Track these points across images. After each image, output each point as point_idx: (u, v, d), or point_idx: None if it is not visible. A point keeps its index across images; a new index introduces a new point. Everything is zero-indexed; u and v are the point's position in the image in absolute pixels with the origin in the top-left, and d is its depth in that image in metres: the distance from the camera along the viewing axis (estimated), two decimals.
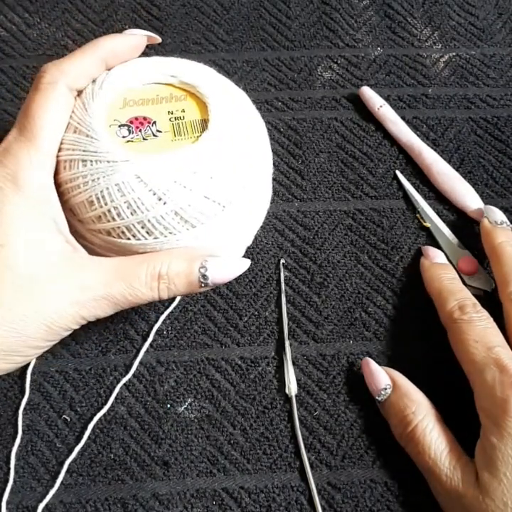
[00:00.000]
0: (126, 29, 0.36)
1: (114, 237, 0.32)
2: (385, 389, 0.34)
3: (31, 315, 0.28)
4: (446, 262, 0.39)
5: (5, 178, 0.29)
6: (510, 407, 0.30)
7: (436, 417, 0.33)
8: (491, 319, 0.34)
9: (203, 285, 0.31)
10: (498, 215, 0.38)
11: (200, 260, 0.31)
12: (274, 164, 0.43)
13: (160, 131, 0.33)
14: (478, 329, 0.33)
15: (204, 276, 0.31)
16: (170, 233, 0.31)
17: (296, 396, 0.36)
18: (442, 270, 0.38)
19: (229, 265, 0.32)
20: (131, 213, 0.31)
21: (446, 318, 0.35)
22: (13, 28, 0.48)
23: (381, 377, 0.34)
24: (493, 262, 0.37)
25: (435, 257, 0.39)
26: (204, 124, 0.33)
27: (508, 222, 0.38)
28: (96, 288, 0.29)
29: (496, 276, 0.36)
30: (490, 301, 0.36)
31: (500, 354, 0.32)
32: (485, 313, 0.34)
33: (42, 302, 0.28)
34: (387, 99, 0.46)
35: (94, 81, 0.34)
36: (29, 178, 0.29)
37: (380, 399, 0.34)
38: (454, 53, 0.49)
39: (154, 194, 0.30)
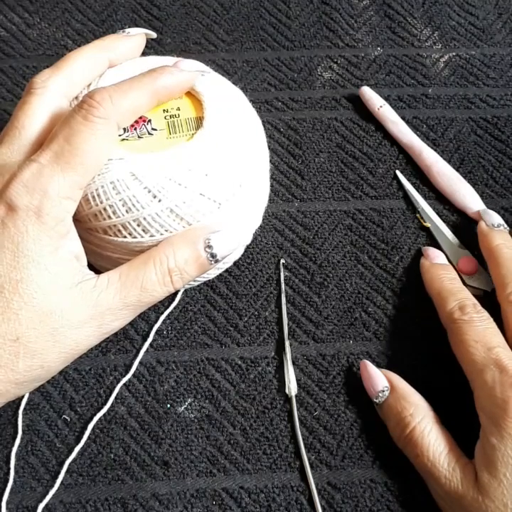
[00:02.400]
0: (125, 29, 0.35)
1: (110, 235, 0.32)
2: (383, 391, 0.34)
3: (50, 347, 0.28)
4: (447, 262, 0.39)
5: (28, 209, 0.28)
6: (511, 407, 0.30)
7: (434, 418, 0.33)
8: (491, 319, 0.34)
9: (212, 262, 0.31)
10: (494, 217, 0.39)
11: (203, 240, 0.31)
12: (274, 164, 0.43)
13: (155, 130, 0.33)
14: (478, 329, 0.33)
15: (212, 254, 0.31)
16: (166, 231, 0.31)
17: (296, 396, 0.36)
18: (442, 270, 0.38)
19: (231, 235, 0.32)
20: (127, 211, 0.31)
21: (446, 318, 0.35)
22: (13, 28, 0.48)
23: (378, 379, 0.34)
24: (490, 265, 0.37)
25: (435, 257, 0.39)
26: (199, 121, 0.33)
27: (505, 225, 0.39)
28: (111, 304, 0.30)
29: (494, 279, 0.36)
30: (490, 301, 0.36)
31: (500, 354, 0.32)
32: (485, 314, 0.34)
33: (61, 335, 0.29)
34: (387, 99, 0.46)
35: None
36: (53, 212, 0.28)
37: (377, 401, 0.34)
38: (454, 53, 0.49)
39: (149, 192, 0.30)
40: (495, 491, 0.29)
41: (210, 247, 0.31)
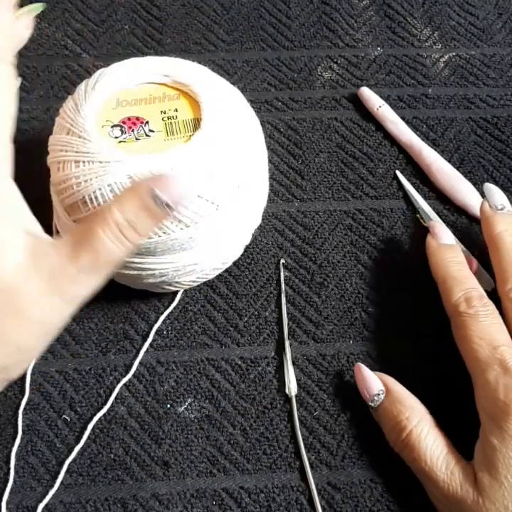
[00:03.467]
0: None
1: None
2: (378, 395, 0.33)
3: (18, 327, 0.27)
4: (454, 242, 0.37)
5: None
6: None
7: (430, 421, 0.32)
8: (497, 313, 0.33)
9: (166, 209, 0.29)
10: (498, 197, 0.37)
11: (147, 189, 0.29)
12: (274, 164, 0.43)
13: (153, 131, 0.33)
14: (483, 325, 0.32)
15: (160, 201, 0.29)
16: (164, 233, 0.31)
17: (296, 396, 0.36)
18: (449, 253, 0.36)
19: (176, 180, 0.29)
20: None
21: (451, 309, 0.34)
22: None
23: (373, 383, 0.34)
24: (491, 253, 0.35)
25: (443, 236, 0.37)
26: (197, 123, 0.33)
27: (509, 207, 0.37)
28: (65, 270, 0.27)
29: (495, 270, 0.35)
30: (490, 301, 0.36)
31: (504, 354, 0.31)
32: (491, 307, 0.33)
33: (23, 312, 0.27)
34: (387, 99, 0.46)
35: (87, 81, 0.34)
36: None
37: (372, 405, 0.33)
38: (454, 53, 0.49)
39: None
40: (496, 493, 0.28)
41: (155, 194, 0.29)
